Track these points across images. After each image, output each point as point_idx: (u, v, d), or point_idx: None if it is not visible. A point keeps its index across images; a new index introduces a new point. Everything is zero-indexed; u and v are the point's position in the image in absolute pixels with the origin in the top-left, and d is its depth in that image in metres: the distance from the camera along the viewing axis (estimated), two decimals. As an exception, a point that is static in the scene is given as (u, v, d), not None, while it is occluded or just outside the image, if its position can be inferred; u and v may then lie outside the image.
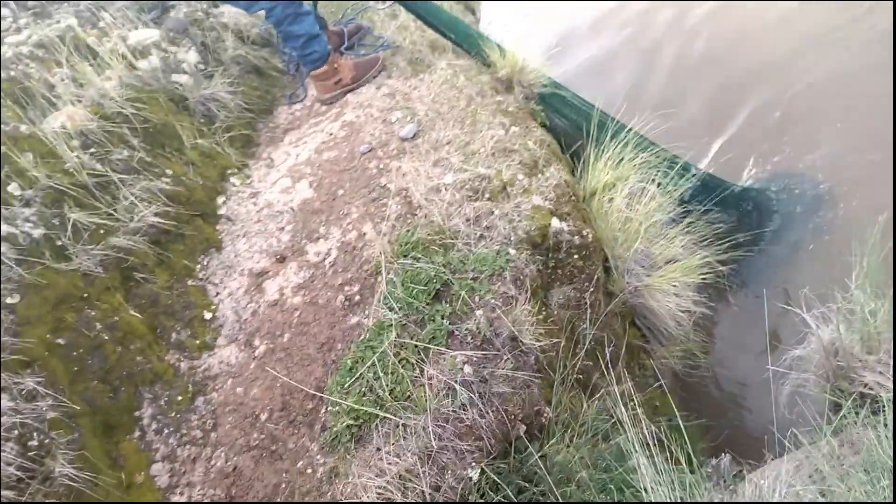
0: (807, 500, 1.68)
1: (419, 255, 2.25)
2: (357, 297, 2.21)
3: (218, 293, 2.46)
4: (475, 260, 2.26)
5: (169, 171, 2.62)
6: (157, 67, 2.90)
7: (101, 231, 2.28)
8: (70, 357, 2.00)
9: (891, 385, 1.92)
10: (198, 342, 2.32)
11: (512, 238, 2.37)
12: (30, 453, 1.73)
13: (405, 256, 2.26)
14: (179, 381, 2.21)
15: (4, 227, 2.09)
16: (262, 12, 3.07)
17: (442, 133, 2.89)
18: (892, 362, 2.01)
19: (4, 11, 3.15)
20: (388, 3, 3.95)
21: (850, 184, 3.31)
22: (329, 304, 2.22)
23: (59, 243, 2.18)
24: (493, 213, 2.46)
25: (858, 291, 2.11)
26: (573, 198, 2.71)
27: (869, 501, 1.71)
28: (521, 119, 3.07)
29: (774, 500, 1.66)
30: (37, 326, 1.99)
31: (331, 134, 3.06)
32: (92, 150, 2.45)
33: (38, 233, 2.15)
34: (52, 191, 2.27)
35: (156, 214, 2.43)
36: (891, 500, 1.68)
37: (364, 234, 2.42)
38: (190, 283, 2.45)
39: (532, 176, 2.68)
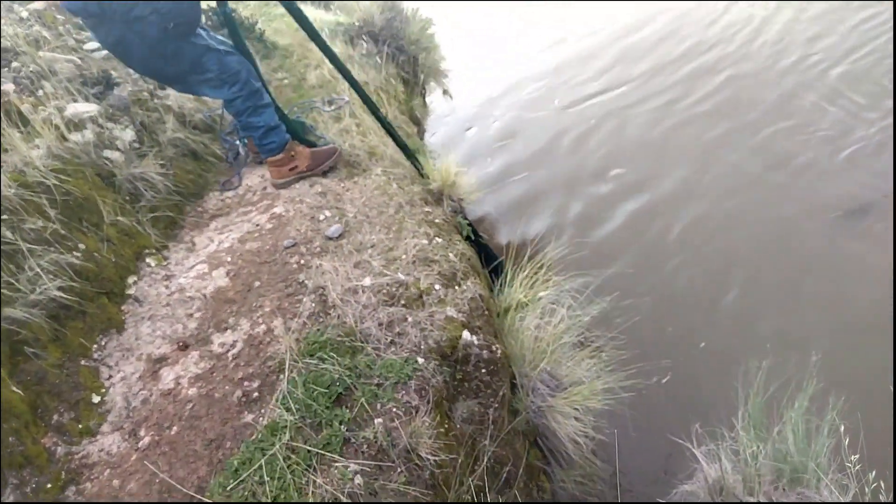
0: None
1: (326, 356, 2.24)
2: (255, 394, 2.16)
3: (111, 376, 2.35)
4: (382, 366, 2.27)
5: (82, 246, 2.56)
6: (89, 141, 2.89)
7: (-4, 300, 2.18)
8: (-70, 434, 1.86)
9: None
10: (80, 427, 2.18)
11: (422, 347, 2.39)
12: None
13: (312, 356, 2.25)
14: (52, 468, 2.06)
15: None
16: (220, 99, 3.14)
17: (367, 236, 2.96)
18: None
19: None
20: (333, 106, 4.12)
21: (752, 324, 3.55)
22: (225, 399, 2.16)
23: (-55, 312, 2.07)
24: (406, 319, 2.49)
25: (743, 433, 2.22)
26: (487, 312, 2.78)
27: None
28: (446, 231, 3.19)
29: None
30: None
31: (258, 225, 3.08)
32: (4, 216, 2.38)
33: (-77, 297, 2.04)
34: (-51, 256, 2.18)
35: (59, 288, 2.34)
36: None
37: (273, 329, 2.40)
38: (83, 362, 2.34)
39: (449, 287, 2.75)
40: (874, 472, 1.95)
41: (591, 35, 7.78)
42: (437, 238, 3.03)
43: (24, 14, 3.85)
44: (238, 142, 3.67)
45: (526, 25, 8.67)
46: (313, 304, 2.52)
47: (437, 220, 3.22)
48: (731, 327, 3.56)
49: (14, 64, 3.25)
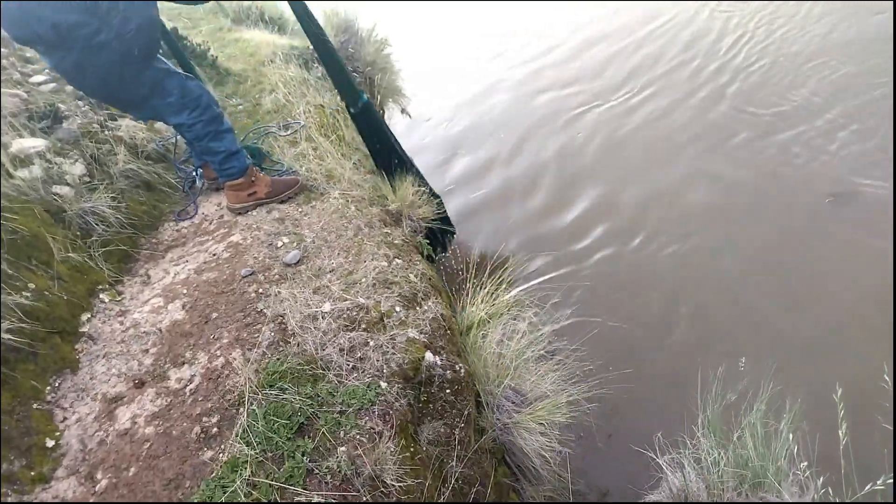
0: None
1: (286, 386, 2.22)
2: (215, 430, 2.12)
3: (66, 418, 2.29)
4: (345, 392, 2.25)
5: (31, 286, 2.49)
6: (37, 178, 2.83)
7: (-61, 346, 2.11)
8: None
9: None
10: (33, 474, 2.11)
11: (384, 370, 2.39)
12: None
13: (272, 387, 2.22)
14: (5, 519, 1.99)
15: None
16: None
17: (326, 261, 2.95)
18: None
19: None
20: (289, 130, 4.11)
21: (708, 332, 3.62)
22: (184, 437, 2.11)
23: None
24: (367, 344, 2.48)
25: (704, 440, 2.25)
26: (449, 332, 2.79)
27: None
28: (406, 252, 3.19)
29: None
30: None
31: (214, 254, 3.04)
32: (-57, 258, 2.31)
33: None
34: None
35: (8, 331, 2.27)
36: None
37: (232, 361, 2.37)
38: (35, 406, 2.27)
39: (410, 308, 2.75)
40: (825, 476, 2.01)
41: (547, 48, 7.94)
42: (396, 259, 3.03)
43: (-35, 48, 3.77)
44: (194, 171, 3.63)
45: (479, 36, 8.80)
46: (272, 334, 2.50)
47: (396, 241, 3.22)
48: (690, 336, 3.63)
49: (-43, 100, 3.17)
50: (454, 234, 4.39)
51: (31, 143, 3.04)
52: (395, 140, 4.00)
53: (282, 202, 3.44)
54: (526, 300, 3.00)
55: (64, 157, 3.16)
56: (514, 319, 2.91)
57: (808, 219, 4.28)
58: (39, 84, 3.77)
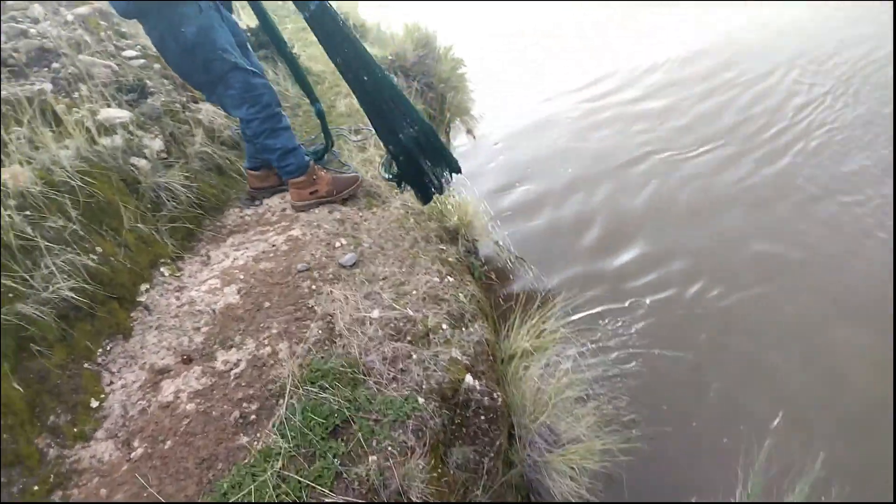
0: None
1: (327, 385, 2.23)
2: (253, 417, 2.15)
3: (112, 382, 2.35)
4: (382, 402, 2.25)
5: (99, 249, 2.58)
6: (118, 147, 2.94)
7: (10, 295, 2.20)
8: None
9: None
10: (75, 430, 2.17)
11: (423, 386, 2.38)
12: None
13: (313, 384, 2.24)
14: (42, 470, 2.04)
15: None
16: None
17: (380, 268, 2.97)
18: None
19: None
20: (360, 136, 4.18)
21: (759, 393, 3.50)
22: (222, 419, 2.14)
23: (-42, 300, 2.08)
24: (410, 356, 2.49)
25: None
26: (491, 358, 2.77)
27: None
28: (459, 271, 3.19)
29: None
30: None
31: (274, 245, 3.10)
32: (27, 212, 2.41)
33: (-61, 284, 2.06)
34: (-29, 245, 2.21)
35: (72, 289, 2.35)
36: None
37: (278, 352, 2.40)
38: (86, 365, 2.34)
39: (456, 328, 2.75)
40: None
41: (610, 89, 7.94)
42: (448, 277, 3.03)
43: (70, 17, 3.95)
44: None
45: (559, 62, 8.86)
46: (320, 331, 2.52)
47: (450, 259, 3.23)
48: (739, 393, 3.51)
49: (54, 65, 3.33)
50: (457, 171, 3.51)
51: (117, 114, 3.16)
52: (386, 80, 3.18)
53: (343, 202, 3.49)
54: (572, 337, 2.96)
55: (145, 131, 3.27)
56: (558, 356, 2.88)
57: (868, 289, 4.13)
58: (130, 59, 3.93)
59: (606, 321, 3.90)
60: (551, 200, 5.67)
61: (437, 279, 2.97)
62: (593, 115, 7.24)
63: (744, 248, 4.68)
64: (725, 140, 6.27)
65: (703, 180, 5.65)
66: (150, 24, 2.77)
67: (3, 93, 2.84)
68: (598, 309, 4.02)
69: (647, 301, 4.20)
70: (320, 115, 3.60)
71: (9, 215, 2.34)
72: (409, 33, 5.85)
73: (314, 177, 3.39)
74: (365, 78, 3.05)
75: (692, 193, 5.48)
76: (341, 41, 2.98)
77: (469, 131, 6.89)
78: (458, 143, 7.04)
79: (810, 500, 2.10)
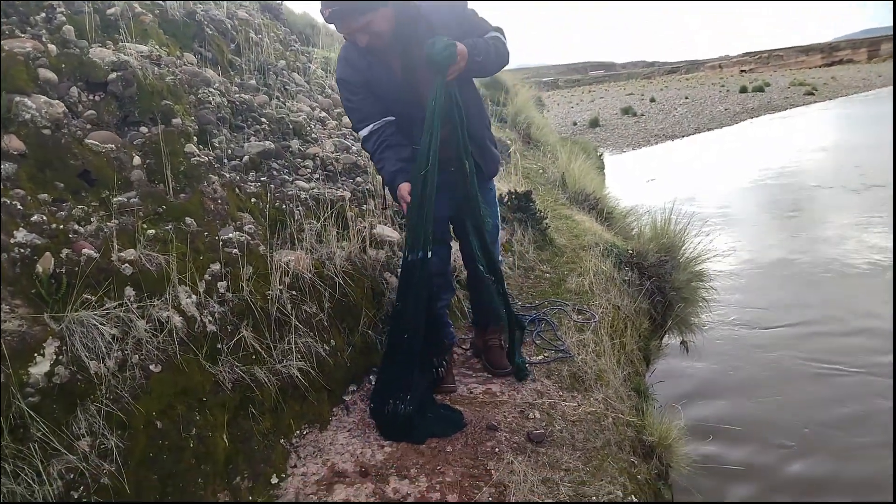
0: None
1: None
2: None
3: (296, 466, 2.50)
4: None
5: (333, 342, 2.86)
6: (380, 261, 3.33)
7: (254, 356, 2.50)
8: (154, 441, 2.10)
9: None
10: (250, 498, 2.32)
11: None
12: None
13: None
14: (211, 522, 2.19)
15: (192, 312, 2.38)
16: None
17: (565, 457, 2.87)
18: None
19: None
20: (581, 316, 4.22)
21: None
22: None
23: (217, 346, 2.42)
24: (570, 565, 2.31)
25: None
26: None
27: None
28: (645, 493, 2.96)
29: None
30: (150, 398, 2.13)
31: (471, 392, 3.18)
32: (294, 292, 2.78)
33: (211, 328, 2.42)
34: (243, 304, 2.58)
35: (300, 369, 2.62)
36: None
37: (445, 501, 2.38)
38: (282, 441, 2.53)
39: (626, 555, 2.51)
40: None
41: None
42: (633, 496, 2.81)
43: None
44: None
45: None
46: (490, 498, 2.46)
47: (639, 477, 3.01)
48: None
49: (358, 178, 3.93)
50: None
51: (389, 233, 3.59)
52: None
53: (548, 376, 3.49)
54: None
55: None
56: None
57: None
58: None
59: None
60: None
61: (620, 493, 2.77)
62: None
63: None
64: None
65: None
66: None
67: (314, 190, 3.40)
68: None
69: None
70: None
71: (280, 290, 2.71)
72: (656, 236, 5.94)
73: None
74: None
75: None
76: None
77: (683, 342, 6.60)
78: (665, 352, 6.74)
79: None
